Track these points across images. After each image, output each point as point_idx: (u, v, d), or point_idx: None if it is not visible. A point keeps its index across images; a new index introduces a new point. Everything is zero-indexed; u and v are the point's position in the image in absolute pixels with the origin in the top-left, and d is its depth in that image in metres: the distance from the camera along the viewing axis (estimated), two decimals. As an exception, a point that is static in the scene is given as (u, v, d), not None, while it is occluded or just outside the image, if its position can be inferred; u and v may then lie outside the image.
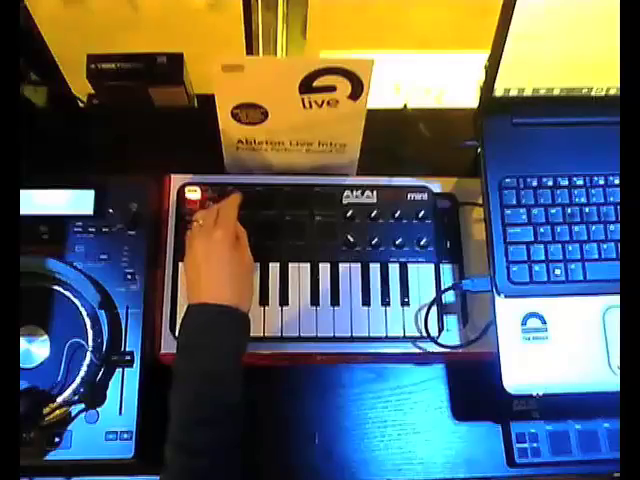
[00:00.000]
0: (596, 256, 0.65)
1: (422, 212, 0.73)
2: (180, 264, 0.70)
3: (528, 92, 0.67)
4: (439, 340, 0.69)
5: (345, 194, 0.74)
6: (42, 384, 0.63)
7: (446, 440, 0.71)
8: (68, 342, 0.64)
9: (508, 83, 0.66)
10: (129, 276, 0.68)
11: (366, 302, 0.70)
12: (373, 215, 0.73)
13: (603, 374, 0.63)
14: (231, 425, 0.56)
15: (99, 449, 0.63)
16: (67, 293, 0.66)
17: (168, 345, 0.68)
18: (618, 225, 0.66)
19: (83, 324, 0.65)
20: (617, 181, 0.67)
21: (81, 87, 0.83)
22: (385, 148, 0.81)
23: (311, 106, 0.65)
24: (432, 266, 0.72)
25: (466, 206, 0.75)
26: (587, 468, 0.69)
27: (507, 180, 0.67)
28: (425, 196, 0.74)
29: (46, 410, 0.61)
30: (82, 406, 0.63)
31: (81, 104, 0.86)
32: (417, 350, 0.70)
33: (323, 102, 0.65)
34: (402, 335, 0.70)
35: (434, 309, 0.70)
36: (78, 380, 0.63)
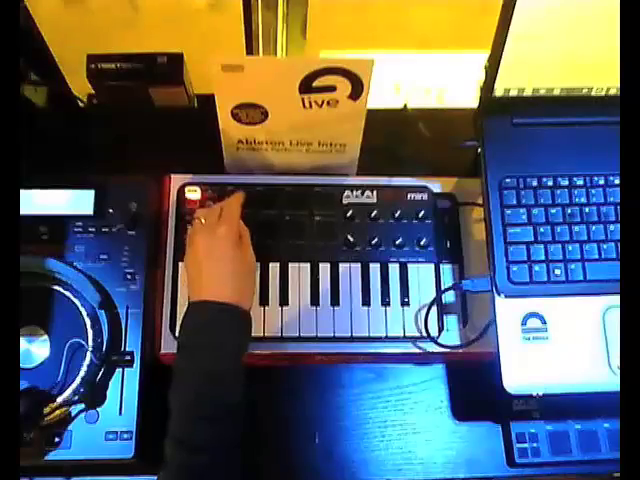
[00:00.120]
0: (596, 256, 0.65)
1: (422, 212, 0.73)
2: (180, 264, 0.70)
3: (528, 92, 0.67)
4: (439, 340, 0.69)
5: (345, 194, 0.74)
6: (42, 384, 0.63)
7: (446, 440, 0.71)
8: (68, 342, 0.64)
9: (508, 83, 0.66)
10: (129, 276, 0.68)
11: (366, 302, 0.70)
12: (373, 215, 0.73)
13: (603, 374, 0.63)
14: (231, 423, 0.56)
15: (99, 449, 0.63)
16: (67, 293, 0.66)
17: (168, 345, 0.68)
18: (618, 225, 0.66)
19: (83, 324, 0.65)
20: (617, 181, 0.67)
21: (81, 87, 0.83)
22: (385, 148, 0.81)
23: (311, 106, 0.65)
24: (432, 266, 0.72)
25: (466, 206, 0.75)
26: (587, 468, 0.69)
27: (507, 180, 0.67)
28: (425, 196, 0.74)
29: (46, 410, 0.61)
30: (82, 406, 0.63)
31: (81, 104, 0.86)
32: (417, 350, 0.70)
33: (323, 102, 0.65)
34: (402, 335, 0.70)
35: (434, 309, 0.70)
36: (78, 380, 0.63)
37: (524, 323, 0.64)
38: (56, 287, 0.66)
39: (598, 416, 0.70)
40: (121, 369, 0.65)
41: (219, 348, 0.57)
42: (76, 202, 0.70)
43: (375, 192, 0.74)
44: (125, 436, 0.63)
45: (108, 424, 0.63)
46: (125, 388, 0.65)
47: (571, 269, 0.65)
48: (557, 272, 0.65)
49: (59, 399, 0.62)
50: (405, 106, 0.86)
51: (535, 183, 0.67)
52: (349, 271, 0.71)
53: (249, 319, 0.61)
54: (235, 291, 0.60)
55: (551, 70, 0.66)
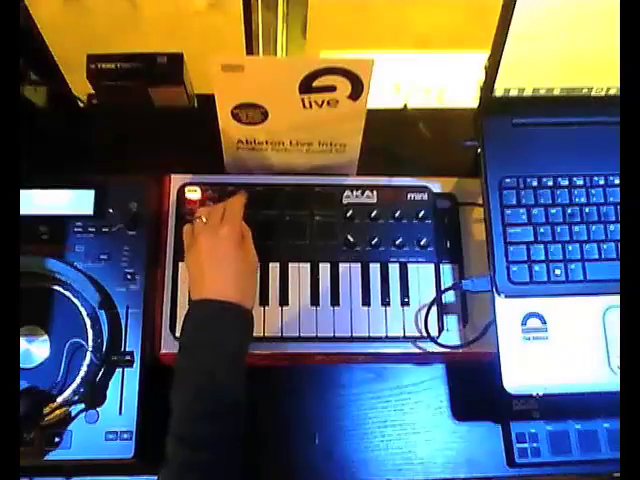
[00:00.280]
0: (596, 256, 0.65)
1: (422, 212, 0.73)
2: (180, 264, 0.70)
3: (528, 92, 0.67)
4: (439, 340, 0.69)
5: (345, 194, 0.74)
6: (42, 384, 0.63)
7: (446, 440, 0.71)
8: (68, 342, 0.64)
9: (508, 83, 0.66)
10: (129, 276, 0.68)
11: (366, 302, 0.70)
12: (373, 215, 0.73)
13: (603, 374, 0.63)
14: (232, 421, 0.56)
15: (99, 449, 0.63)
16: (67, 293, 0.66)
17: (168, 345, 0.68)
18: (618, 225, 0.66)
19: (83, 324, 0.65)
20: (617, 181, 0.67)
21: (81, 87, 0.83)
22: (385, 148, 0.81)
23: (311, 106, 0.65)
24: (432, 266, 0.72)
25: (466, 206, 0.75)
26: (587, 468, 0.69)
27: (507, 180, 0.67)
28: (425, 196, 0.74)
29: (46, 410, 0.61)
30: (82, 406, 0.63)
31: (81, 104, 0.86)
32: (417, 350, 0.70)
33: (323, 102, 0.65)
34: (402, 335, 0.70)
35: (434, 309, 0.70)
36: (78, 380, 0.63)
37: (524, 323, 0.64)
38: (56, 287, 0.66)
39: (598, 416, 0.70)
40: (121, 369, 0.65)
41: (220, 346, 0.58)
42: (76, 202, 0.70)
43: (375, 192, 0.74)
44: (125, 436, 0.63)
45: (108, 424, 0.63)
46: (125, 388, 0.65)
47: (571, 269, 0.65)
48: (557, 272, 0.65)
49: (59, 399, 0.62)
50: (405, 106, 0.86)
51: (535, 183, 0.67)
52: (349, 271, 0.71)
53: (251, 318, 0.61)
54: (238, 290, 0.60)
55: (551, 70, 0.65)
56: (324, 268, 0.71)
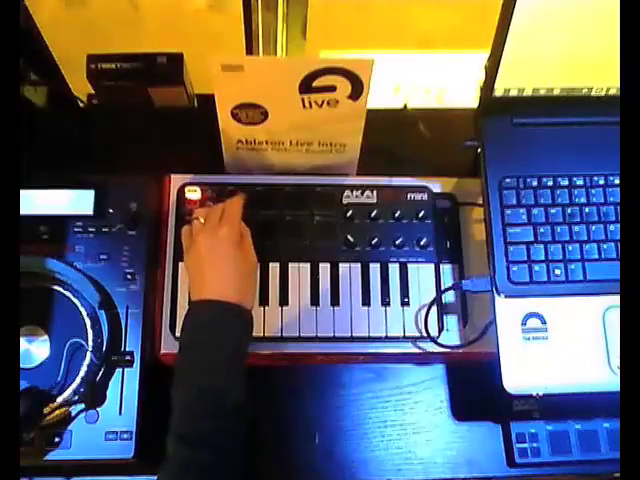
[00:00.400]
0: (596, 256, 0.65)
1: (422, 212, 0.73)
2: (180, 264, 0.70)
3: (528, 92, 0.67)
4: (439, 340, 0.69)
5: (345, 194, 0.74)
6: (42, 384, 0.63)
7: (446, 440, 0.71)
8: (68, 342, 0.64)
9: (508, 83, 0.66)
10: (129, 276, 0.68)
11: (366, 302, 0.70)
12: (373, 215, 0.73)
13: (603, 374, 0.63)
14: (233, 421, 0.56)
15: (99, 449, 0.63)
16: (67, 293, 0.66)
17: (168, 345, 0.68)
18: (618, 225, 0.66)
19: (83, 324, 0.65)
20: (617, 181, 0.67)
21: (81, 87, 0.83)
22: (385, 148, 0.81)
23: (311, 106, 0.65)
24: (432, 266, 0.72)
25: (466, 206, 0.75)
26: (587, 468, 0.69)
27: (507, 180, 0.67)
28: (425, 196, 0.74)
29: (46, 410, 0.61)
30: (82, 406, 0.63)
31: (81, 104, 0.86)
32: (417, 350, 0.70)
33: (323, 102, 0.65)
34: (402, 335, 0.70)
35: (434, 309, 0.70)
36: (78, 380, 0.63)
37: (524, 323, 0.64)
38: (56, 287, 0.66)
39: (598, 416, 0.69)
40: (121, 369, 0.65)
41: (219, 345, 0.58)
42: (76, 202, 0.70)
43: (375, 192, 0.74)
44: (125, 436, 0.63)
45: (108, 424, 0.63)
46: (125, 388, 0.65)
47: (571, 269, 0.65)
48: (557, 272, 0.65)
49: (59, 399, 0.62)
50: (405, 106, 0.86)
51: (535, 183, 0.67)
52: (349, 271, 0.71)
53: (250, 318, 0.61)
54: (237, 291, 0.60)
55: (551, 70, 0.65)
56: (324, 268, 0.71)
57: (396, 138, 0.83)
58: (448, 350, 0.69)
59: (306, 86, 0.62)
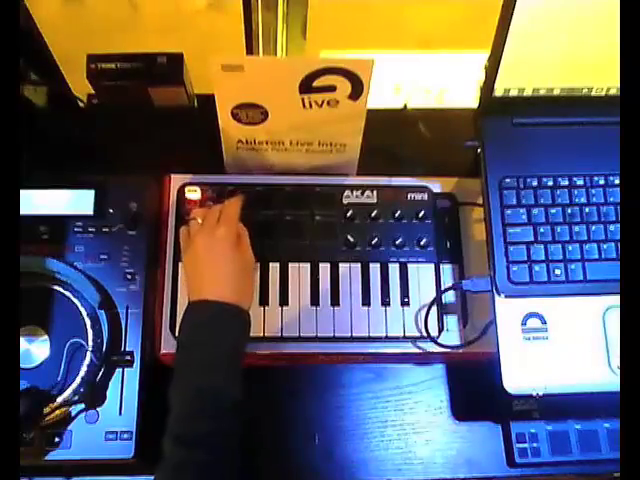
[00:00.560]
0: (596, 256, 0.65)
1: (422, 212, 0.73)
2: (180, 264, 0.70)
3: (528, 92, 0.67)
4: (439, 340, 0.69)
5: (345, 194, 0.74)
6: (42, 384, 0.63)
7: (446, 440, 0.71)
8: (68, 342, 0.64)
9: (508, 83, 0.66)
10: (129, 276, 0.68)
11: (366, 302, 0.70)
12: (373, 215, 0.73)
13: (603, 374, 0.63)
14: (230, 421, 0.56)
15: (99, 449, 0.63)
16: (67, 293, 0.66)
17: (168, 345, 0.68)
18: (618, 225, 0.66)
19: (83, 324, 0.65)
20: (617, 181, 0.67)
21: (81, 87, 0.83)
22: (385, 148, 0.81)
23: (311, 106, 0.65)
24: (432, 266, 0.72)
25: (466, 206, 0.75)
26: (587, 468, 0.69)
27: (507, 180, 0.67)
28: (425, 196, 0.74)
29: (46, 410, 0.61)
30: (82, 406, 0.63)
31: (81, 104, 0.86)
32: (417, 350, 0.70)
33: (323, 102, 0.65)
34: (402, 335, 0.70)
35: (434, 309, 0.70)
36: (78, 380, 0.63)
37: (524, 323, 0.64)
38: (56, 287, 0.66)
39: (598, 416, 0.69)
40: (121, 369, 0.65)
41: (217, 345, 0.58)
42: (76, 202, 0.70)
43: (375, 192, 0.74)
44: (125, 436, 0.63)
45: (108, 424, 0.63)
46: (125, 388, 0.65)
47: (571, 269, 0.65)
48: (557, 272, 0.65)
49: (59, 399, 0.62)
50: (405, 106, 0.86)
51: (535, 183, 0.67)
52: (349, 271, 0.71)
53: (248, 319, 0.61)
54: (235, 291, 0.60)
55: (551, 70, 0.65)
56: (324, 268, 0.71)
57: (396, 138, 0.83)
58: (448, 350, 0.69)
59: (306, 86, 0.62)
